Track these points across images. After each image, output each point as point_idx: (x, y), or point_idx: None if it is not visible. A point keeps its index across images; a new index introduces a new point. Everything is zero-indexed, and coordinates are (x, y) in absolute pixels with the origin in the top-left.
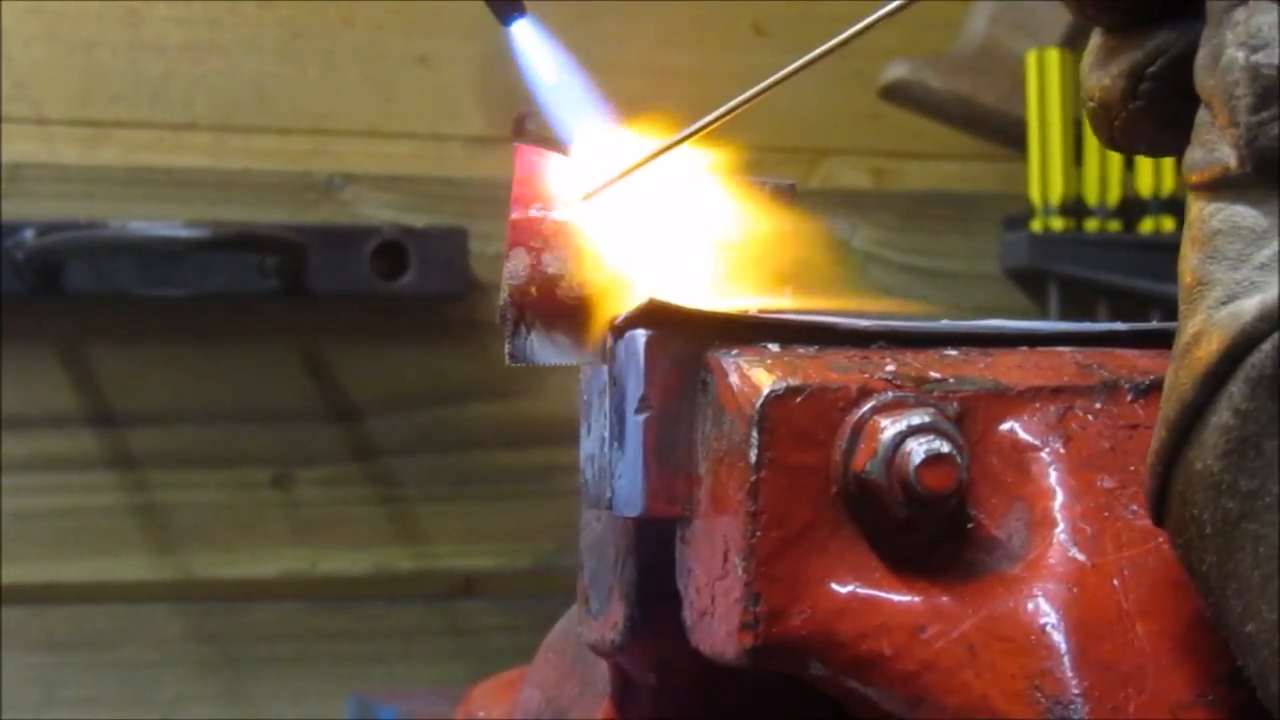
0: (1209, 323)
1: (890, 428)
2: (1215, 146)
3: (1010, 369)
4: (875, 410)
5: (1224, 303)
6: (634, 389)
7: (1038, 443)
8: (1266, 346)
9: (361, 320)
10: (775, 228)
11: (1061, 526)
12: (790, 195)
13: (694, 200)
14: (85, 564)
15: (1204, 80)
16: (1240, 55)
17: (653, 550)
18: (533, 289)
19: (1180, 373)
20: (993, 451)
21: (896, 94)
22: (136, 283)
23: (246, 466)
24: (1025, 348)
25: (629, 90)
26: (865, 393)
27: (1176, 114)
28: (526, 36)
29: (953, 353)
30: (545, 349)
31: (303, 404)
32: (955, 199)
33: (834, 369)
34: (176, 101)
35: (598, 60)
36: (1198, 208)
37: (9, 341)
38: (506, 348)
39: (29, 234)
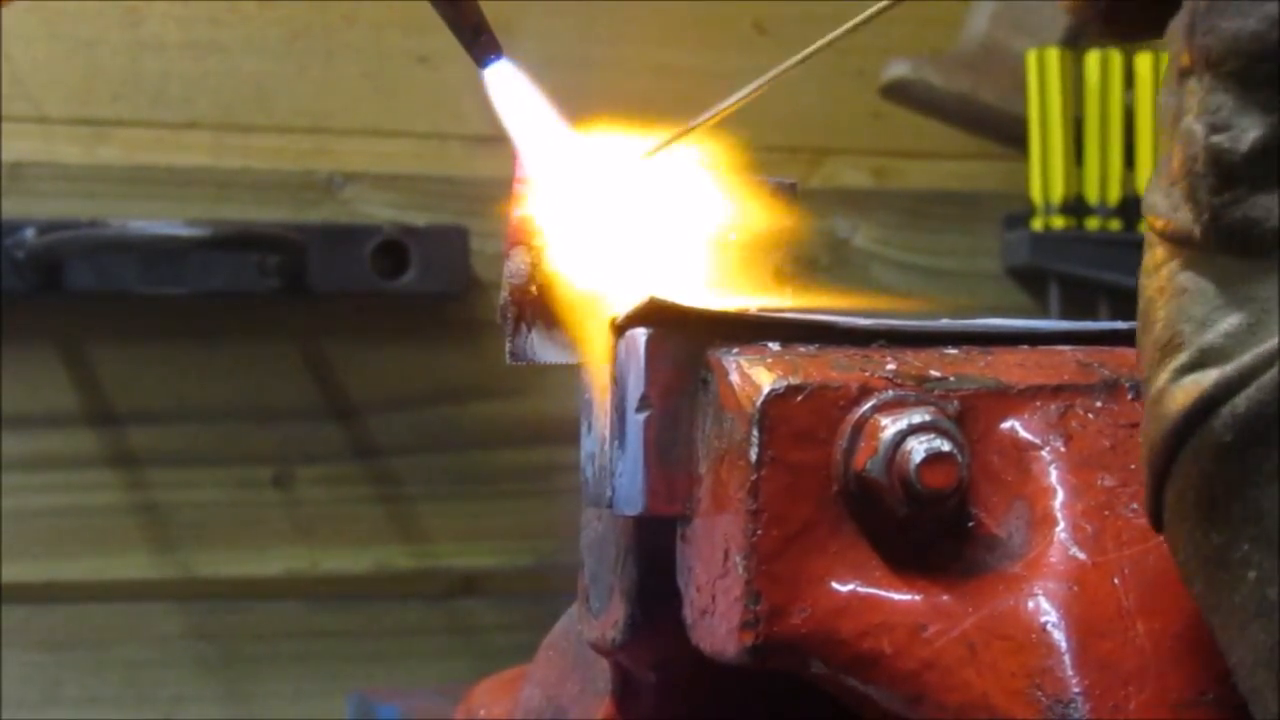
0: (1176, 385)
1: (891, 426)
2: (1179, 206)
3: (1011, 367)
4: (876, 409)
5: (1190, 368)
6: (634, 388)
7: (1038, 441)
8: (1225, 413)
9: (362, 319)
10: (775, 225)
11: (1062, 525)
12: (791, 194)
13: (694, 198)
14: (86, 563)
15: (1163, 120)
16: (1199, 130)
17: (653, 549)
18: (533, 288)
19: (1150, 425)
20: (993, 450)
21: (897, 93)
22: (137, 281)
23: (247, 465)
24: (1026, 346)
25: (629, 89)
26: (866, 391)
27: None
28: (503, 79)
29: (953, 351)
30: (545, 347)
31: (303, 403)
32: (956, 198)
33: (834, 368)
34: (177, 100)
35: (598, 59)
36: (1163, 256)
37: (9, 340)
38: (507, 346)
39: (29, 233)
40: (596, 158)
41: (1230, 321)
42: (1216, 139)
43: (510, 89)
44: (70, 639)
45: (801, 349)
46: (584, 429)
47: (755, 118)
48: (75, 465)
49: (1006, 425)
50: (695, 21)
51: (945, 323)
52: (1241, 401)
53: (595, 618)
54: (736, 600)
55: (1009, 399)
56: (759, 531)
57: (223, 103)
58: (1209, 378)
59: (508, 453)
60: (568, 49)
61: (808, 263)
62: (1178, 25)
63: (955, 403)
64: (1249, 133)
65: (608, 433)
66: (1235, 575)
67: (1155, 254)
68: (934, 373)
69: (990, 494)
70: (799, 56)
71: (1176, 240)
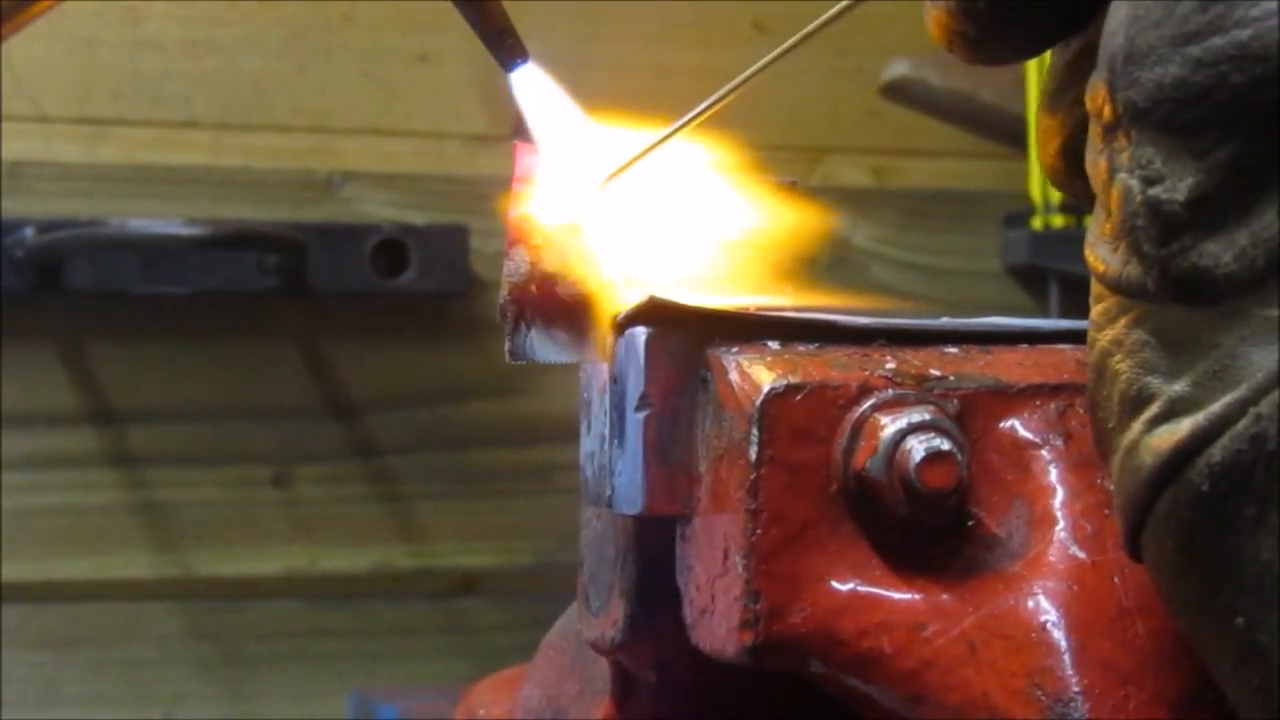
0: (1149, 436)
1: (890, 425)
2: (1128, 260)
3: (1010, 366)
4: (875, 408)
5: (1162, 418)
6: (634, 387)
7: (1038, 440)
8: (1200, 464)
9: (362, 318)
10: (776, 224)
11: (1062, 524)
12: (791, 193)
13: (694, 197)
14: (85, 562)
15: (1094, 177)
16: (1135, 185)
17: (653, 548)
18: (533, 287)
19: (1125, 476)
20: (993, 449)
21: (897, 92)
22: (137, 281)
23: (247, 464)
24: (1025, 345)
25: (630, 88)
26: (865, 390)
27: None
28: (530, 82)
29: (953, 350)
30: (545, 347)
31: (303, 402)
32: (956, 197)
33: (834, 366)
34: (177, 99)
35: (599, 58)
36: (1117, 309)
37: (9, 339)
38: (507, 345)
39: (29, 232)
40: (618, 156)
41: (1198, 370)
42: (1153, 191)
43: (537, 92)
44: (69, 638)
45: (801, 348)
46: (583, 428)
47: (755, 117)
48: (74, 464)
49: (1006, 424)
50: (695, 21)
51: (945, 322)
52: (1216, 451)
53: (595, 617)
54: (736, 599)
55: (1009, 398)
56: (758, 531)
57: (222, 102)
58: (1182, 428)
59: (507, 452)
60: (568, 48)
61: (808, 262)
62: (1098, 80)
63: (955, 402)
64: (1184, 180)
65: (607, 432)
66: (1221, 621)
67: (1107, 306)
68: (934, 372)
69: (990, 493)
70: (776, 52)
71: (1130, 293)
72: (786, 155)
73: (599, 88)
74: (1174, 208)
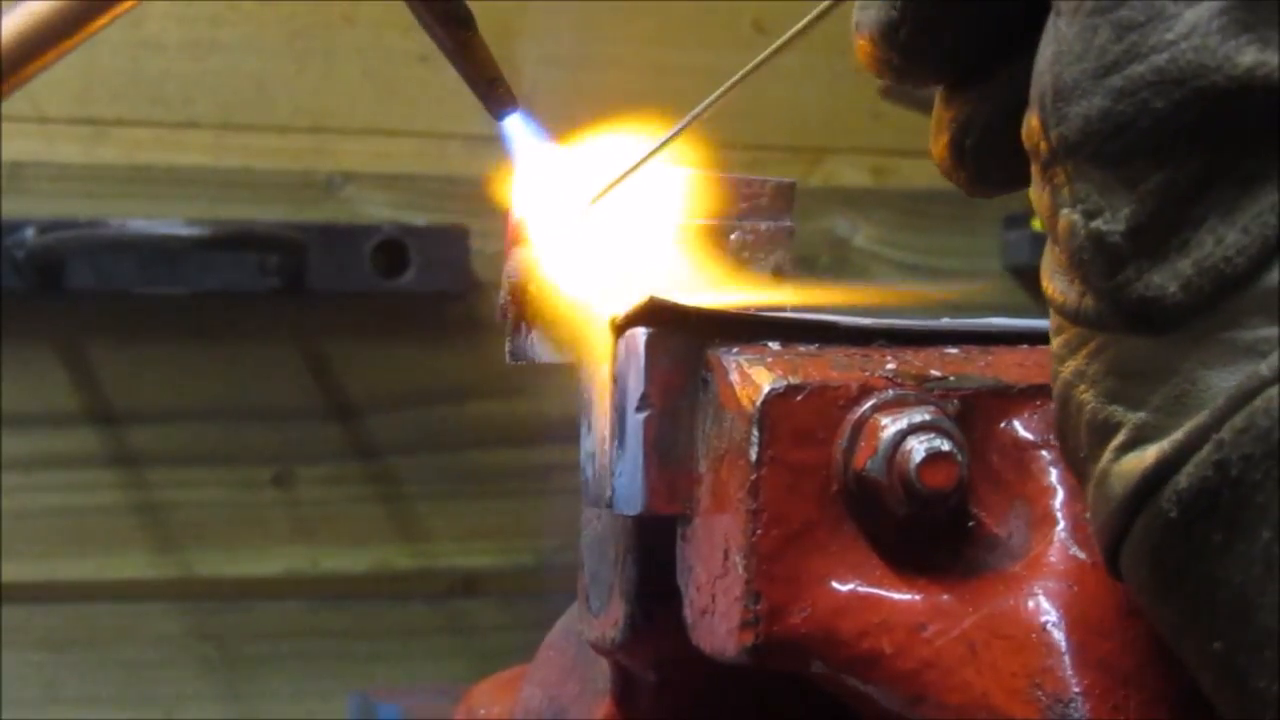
0: (1117, 464)
1: (891, 426)
2: (1084, 292)
3: (1011, 367)
4: (876, 408)
5: (1129, 446)
6: (634, 387)
7: (1038, 441)
8: (1168, 491)
9: (362, 318)
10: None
11: (1062, 524)
12: (791, 194)
13: (693, 195)
14: (86, 562)
15: (1039, 212)
16: (1078, 219)
17: (653, 548)
18: (533, 287)
19: (1098, 504)
20: (993, 449)
21: (897, 93)
22: (137, 281)
23: (247, 465)
24: (1026, 346)
25: (629, 88)
26: (866, 391)
27: (1007, 162)
28: (520, 131)
29: (953, 351)
30: (545, 347)
31: (303, 402)
32: (956, 197)
33: (834, 367)
34: (177, 100)
35: (598, 58)
36: (1077, 340)
37: (9, 340)
38: (507, 346)
39: (29, 232)
40: (615, 166)
41: (1160, 396)
42: (1095, 224)
43: (526, 142)
44: (70, 638)
45: (801, 348)
46: (584, 428)
47: (755, 117)
48: (75, 464)
49: (1007, 425)
50: (695, 21)
51: (945, 322)
52: (1183, 478)
53: (595, 617)
54: (736, 600)
55: (1009, 398)
56: (759, 531)
57: (222, 102)
58: (1148, 455)
59: (507, 452)
60: (567, 48)
61: (808, 262)
62: (1031, 117)
63: (955, 402)
64: (1121, 211)
65: (607, 432)
66: (1199, 645)
67: (1068, 338)
68: (934, 372)
69: (990, 493)
70: (761, 57)
71: (1087, 324)
72: (786, 155)
73: (598, 87)
74: (1115, 239)
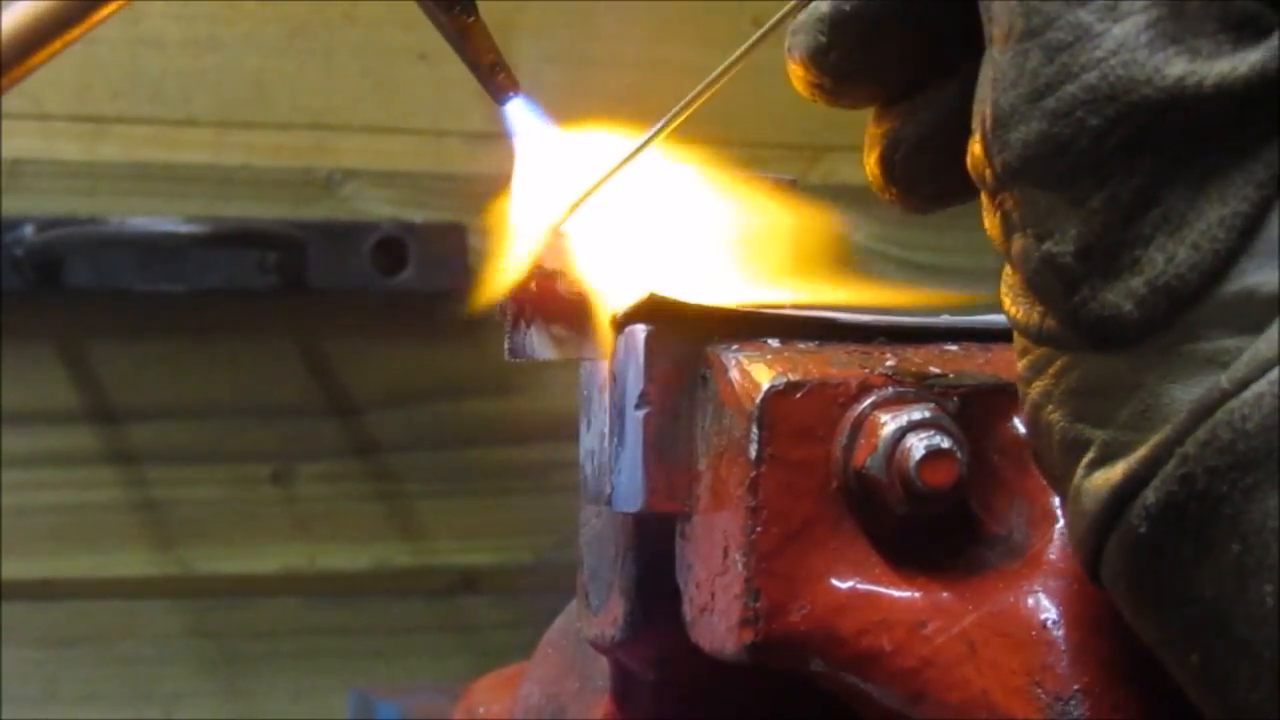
0: (1087, 481)
1: (890, 423)
2: (1045, 313)
3: (1011, 364)
4: (875, 406)
5: (1098, 463)
6: (634, 384)
7: None
8: (1137, 507)
9: (361, 316)
10: (776, 221)
11: (1062, 522)
12: (791, 191)
13: (693, 194)
14: (85, 559)
15: (991, 236)
16: (1030, 242)
17: (652, 546)
18: (532, 285)
19: (1074, 521)
20: (993, 447)
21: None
22: (136, 279)
23: (246, 462)
24: None
25: (628, 85)
26: (865, 388)
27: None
28: (521, 115)
29: (953, 348)
30: (544, 344)
31: (302, 399)
32: None
33: (834, 364)
34: (176, 97)
35: (597, 55)
36: (1042, 361)
37: (9, 337)
38: (506, 343)
39: (29, 230)
40: (609, 162)
41: (1125, 412)
42: (1046, 247)
43: (528, 127)
44: (69, 636)
45: (801, 345)
46: (583, 426)
47: (754, 114)
48: (74, 462)
49: (1006, 422)
50: (694, 18)
51: (945, 319)
52: (1150, 494)
53: (594, 615)
54: (736, 598)
55: (1009, 396)
56: (758, 529)
57: (222, 100)
58: (1116, 472)
59: (507, 450)
60: (566, 45)
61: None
62: (974, 145)
63: (955, 400)
64: (1070, 231)
65: (607, 430)
66: (1178, 657)
67: (1033, 359)
68: (934, 369)
69: (990, 491)
70: (735, 55)
71: (1050, 344)
72: (787, 153)
73: (597, 85)
74: (1067, 260)
